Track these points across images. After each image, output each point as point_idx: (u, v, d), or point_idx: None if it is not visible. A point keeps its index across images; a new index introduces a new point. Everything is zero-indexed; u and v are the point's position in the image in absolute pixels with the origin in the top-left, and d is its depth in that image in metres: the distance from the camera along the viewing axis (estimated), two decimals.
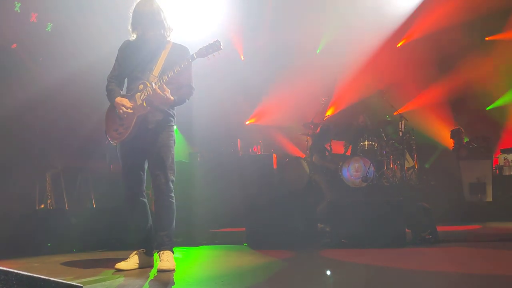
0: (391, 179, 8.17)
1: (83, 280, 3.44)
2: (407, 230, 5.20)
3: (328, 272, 3.67)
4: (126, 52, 4.05)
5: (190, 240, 5.71)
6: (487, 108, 10.73)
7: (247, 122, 11.27)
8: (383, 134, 8.78)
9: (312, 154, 8.27)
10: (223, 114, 9.99)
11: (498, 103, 10.51)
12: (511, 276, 3.19)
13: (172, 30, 4.05)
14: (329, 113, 10.45)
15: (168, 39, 4.03)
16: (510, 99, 10.33)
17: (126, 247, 4.24)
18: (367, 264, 3.96)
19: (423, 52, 10.32)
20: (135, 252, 3.93)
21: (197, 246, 5.53)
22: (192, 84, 4.02)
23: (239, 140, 9.62)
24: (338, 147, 9.17)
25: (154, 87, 3.75)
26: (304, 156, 9.06)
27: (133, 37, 4.02)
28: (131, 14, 3.98)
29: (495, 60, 9.81)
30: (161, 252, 3.83)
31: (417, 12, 9.72)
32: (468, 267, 3.69)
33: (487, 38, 10.18)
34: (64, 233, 5.43)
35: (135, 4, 3.97)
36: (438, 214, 5.49)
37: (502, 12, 9.67)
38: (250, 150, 9.73)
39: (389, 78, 10.32)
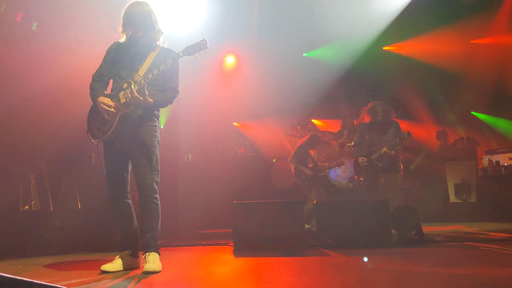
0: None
1: (68, 282, 3.41)
2: (393, 230, 5.24)
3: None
4: (115, 53, 4.03)
5: (176, 241, 5.68)
6: (472, 112, 10.86)
7: (235, 123, 11.26)
8: None
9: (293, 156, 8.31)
10: (210, 115, 9.97)
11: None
12: (495, 276, 3.22)
13: (162, 34, 4.05)
14: (315, 121, 10.52)
15: (157, 42, 4.02)
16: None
17: (112, 249, 4.22)
18: (352, 265, 3.97)
19: (409, 54, 10.41)
20: (121, 254, 3.91)
21: (183, 247, 5.51)
22: (177, 88, 4.00)
23: (226, 141, 9.62)
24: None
25: (132, 89, 3.73)
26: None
27: (123, 38, 4.00)
28: (122, 15, 3.95)
29: (479, 63, 9.91)
30: (147, 253, 3.80)
31: (402, 15, 9.77)
32: (453, 266, 3.71)
33: (472, 41, 10.28)
34: (48, 234, 5.38)
35: (126, 6, 3.95)
36: (424, 215, 5.53)
37: (487, 15, 9.78)
38: (237, 151, 9.73)
39: (376, 80, 10.40)
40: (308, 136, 7.95)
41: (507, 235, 5.50)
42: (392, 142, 6.26)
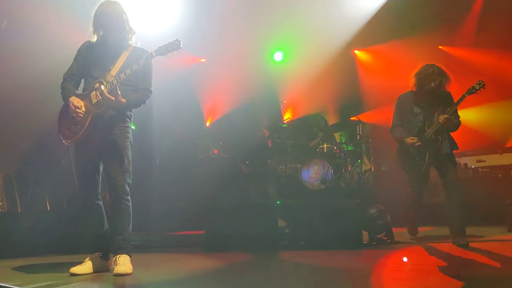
0: (348, 181, 8.30)
1: (36, 285, 3.36)
2: (363, 231, 5.31)
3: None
4: (86, 53, 3.99)
5: (148, 244, 5.64)
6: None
7: (207, 124, 11.23)
8: (341, 137, 8.91)
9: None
10: (183, 115, 9.92)
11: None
12: (463, 276, 3.29)
13: (134, 33, 4.02)
14: (287, 116, 10.54)
15: (129, 42, 3.99)
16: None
17: (81, 251, 4.16)
18: (324, 266, 4.01)
19: (378, 59, 10.55)
20: (91, 256, 3.86)
21: (155, 249, 5.47)
22: (150, 88, 3.98)
23: (198, 142, 9.58)
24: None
25: (103, 90, 3.70)
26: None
27: (94, 38, 3.96)
28: (93, 15, 3.91)
29: (448, 68, 10.08)
30: (118, 256, 3.77)
31: (373, 20, 9.89)
32: (422, 267, 3.78)
33: (440, 47, 10.47)
34: (16, 236, 5.27)
35: (97, 5, 3.91)
36: (394, 216, 5.62)
37: (455, 21, 9.96)
38: (210, 152, 9.70)
39: (348, 84, 10.50)
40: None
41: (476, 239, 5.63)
42: (454, 109, 4.91)
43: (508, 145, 9.30)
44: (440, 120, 4.88)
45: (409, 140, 5.09)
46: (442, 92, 5.00)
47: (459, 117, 5.04)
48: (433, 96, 5.01)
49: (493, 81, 9.48)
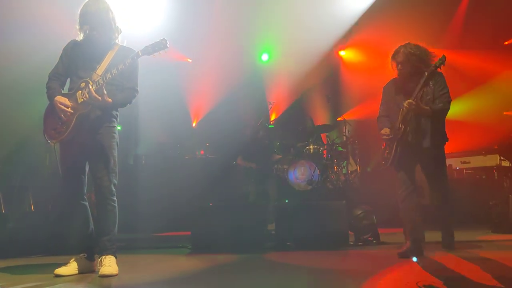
0: (335, 182, 8.33)
1: (20, 286, 3.33)
2: (350, 232, 5.34)
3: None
4: (72, 52, 3.96)
5: (134, 244, 5.61)
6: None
7: (194, 124, 11.20)
8: (328, 138, 8.93)
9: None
10: (169, 116, 9.88)
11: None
12: (444, 276, 3.32)
13: (120, 32, 3.99)
14: (273, 117, 10.55)
15: (116, 41, 3.97)
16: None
17: (66, 252, 4.12)
18: (311, 266, 4.02)
19: (362, 64, 10.61)
20: (76, 257, 3.83)
21: (141, 250, 5.44)
22: (136, 87, 3.96)
23: (185, 142, 9.55)
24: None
25: (90, 89, 3.67)
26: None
27: (80, 36, 3.93)
28: (79, 13, 3.88)
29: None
30: (103, 256, 3.74)
31: (361, 20, 9.95)
32: (407, 267, 3.81)
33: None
34: (0, 237, 5.21)
35: (83, 3, 3.88)
36: (380, 217, 5.64)
37: (439, 28, 10.07)
38: (197, 153, 9.67)
39: (334, 84, 10.56)
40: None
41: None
42: (428, 92, 4.41)
43: (492, 147, 9.39)
44: (406, 106, 4.34)
45: (381, 131, 4.64)
46: (423, 74, 4.35)
47: (446, 101, 4.43)
48: (410, 80, 4.46)
49: (477, 83, 9.70)
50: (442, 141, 4.60)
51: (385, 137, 4.60)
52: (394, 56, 4.57)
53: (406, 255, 4.20)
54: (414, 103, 4.31)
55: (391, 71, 4.67)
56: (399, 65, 4.51)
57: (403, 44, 4.56)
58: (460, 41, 9.66)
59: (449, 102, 4.46)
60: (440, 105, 4.42)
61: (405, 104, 4.35)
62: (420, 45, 4.53)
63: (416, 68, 4.43)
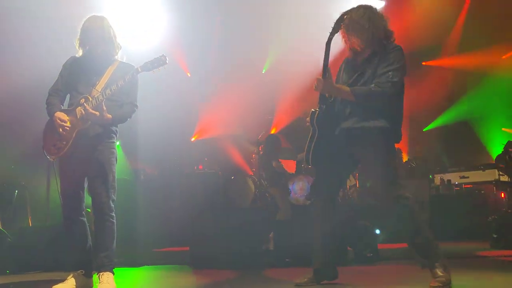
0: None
1: None
2: (348, 248, 5.31)
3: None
4: (71, 68, 3.97)
5: (132, 261, 5.58)
6: (424, 130, 11.18)
7: (193, 139, 11.20)
8: None
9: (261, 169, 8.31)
10: (168, 130, 9.88)
11: (435, 124, 11.01)
12: None
13: (120, 48, 4.02)
14: (273, 131, 10.55)
15: (115, 57, 3.99)
16: (445, 120, 10.84)
17: (64, 268, 4.09)
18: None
19: None
20: (73, 273, 3.79)
21: (139, 266, 5.42)
22: (136, 103, 3.97)
23: (184, 157, 9.54)
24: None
25: (86, 106, 3.69)
26: (251, 173, 9.08)
27: (80, 52, 3.95)
28: (79, 29, 3.90)
29: (430, 84, 10.27)
30: (101, 273, 3.71)
31: None
32: (407, 284, 3.79)
33: (424, 63, 10.65)
34: None
35: (84, 19, 3.91)
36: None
37: (438, 38, 10.18)
38: (195, 168, 9.65)
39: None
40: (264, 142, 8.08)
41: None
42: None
43: (490, 162, 9.43)
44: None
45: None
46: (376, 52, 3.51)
47: (386, 82, 3.39)
48: (353, 61, 3.68)
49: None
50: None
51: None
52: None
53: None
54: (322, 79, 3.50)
55: None
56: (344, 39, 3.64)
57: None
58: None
59: (392, 84, 3.41)
60: (361, 90, 3.47)
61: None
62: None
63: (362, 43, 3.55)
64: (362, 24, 3.47)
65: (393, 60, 3.44)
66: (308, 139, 3.57)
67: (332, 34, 3.54)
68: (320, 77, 3.51)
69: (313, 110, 3.58)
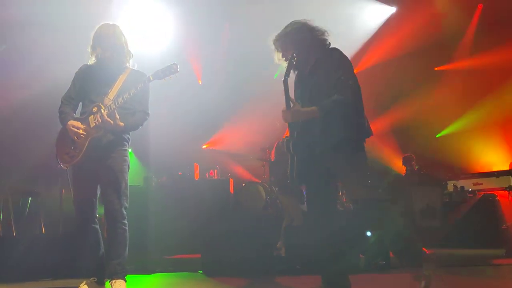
0: (345, 204, 8.27)
1: None
2: (360, 255, 5.27)
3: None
4: (84, 76, 4.01)
5: (144, 268, 5.59)
6: (437, 136, 11.10)
7: (204, 147, 11.23)
8: None
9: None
10: (179, 138, 9.91)
11: (448, 130, 10.92)
12: None
13: (132, 56, 4.05)
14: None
15: (127, 64, 4.02)
16: (458, 127, 10.75)
17: (77, 276, 4.12)
18: None
19: (375, 81, 10.62)
20: (86, 281, 3.82)
21: (151, 273, 5.42)
22: (148, 110, 4.00)
23: (195, 164, 9.55)
24: None
25: (102, 113, 3.72)
26: (260, 181, 9.06)
27: (92, 60, 3.99)
28: (91, 37, 3.95)
29: (443, 89, 10.21)
30: (113, 281, 3.74)
31: (369, 43, 10.00)
32: None
33: (436, 68, 10.60)
34: (11, 261, 5.21)
35: (96, 27, 3.95)
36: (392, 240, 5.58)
37: (450, 44, 10.14)
38: (207, 175, 9.67)
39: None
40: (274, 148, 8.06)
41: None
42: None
43: (504, 168, 9.33)
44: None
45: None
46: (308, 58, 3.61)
47: (345, 88, 3.35)
48: (304, 70, 3.72)
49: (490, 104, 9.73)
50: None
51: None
52: None
53: None
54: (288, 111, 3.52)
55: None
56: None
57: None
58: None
59: (349, 87, 3.38)
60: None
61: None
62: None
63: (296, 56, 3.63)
64: (297, 35, 3.67)
65: (338, 62, 3.48)
66: (289, 165, 3.63)
67: (287, 74, 3.62)
68: (285, 109, 3.54)
69: (287, 138, 3.65)
